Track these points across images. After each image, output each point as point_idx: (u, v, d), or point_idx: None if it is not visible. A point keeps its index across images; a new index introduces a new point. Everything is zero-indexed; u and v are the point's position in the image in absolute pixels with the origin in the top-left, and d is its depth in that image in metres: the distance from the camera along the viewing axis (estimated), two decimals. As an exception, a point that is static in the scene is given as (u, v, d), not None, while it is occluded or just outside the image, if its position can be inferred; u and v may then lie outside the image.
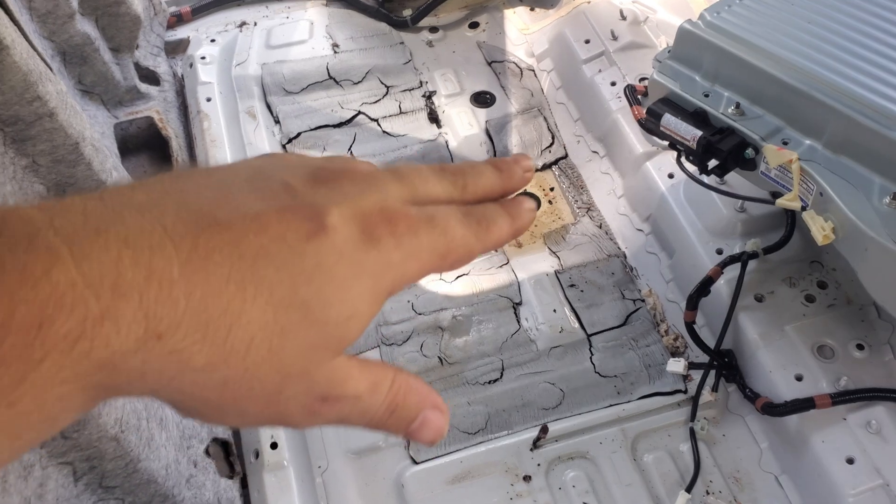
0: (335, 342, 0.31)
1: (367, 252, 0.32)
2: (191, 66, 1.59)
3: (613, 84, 1.48)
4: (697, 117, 1.05)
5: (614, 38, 1.53)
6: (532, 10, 1.76)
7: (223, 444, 1.08)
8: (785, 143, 0.99)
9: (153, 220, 0.27)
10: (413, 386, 0.35)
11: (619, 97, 1.45)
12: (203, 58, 1.60)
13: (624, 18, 1.55)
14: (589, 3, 1.63)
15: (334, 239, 0.31)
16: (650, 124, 1.09)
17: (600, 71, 1.51)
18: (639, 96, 1.42)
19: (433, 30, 1.75)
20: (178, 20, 1.70)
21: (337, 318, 0.31)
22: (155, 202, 0.28)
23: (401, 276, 0.33)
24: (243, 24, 1.72)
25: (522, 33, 1.73)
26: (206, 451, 1.03)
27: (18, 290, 0.24)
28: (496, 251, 1.38)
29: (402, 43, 1.72)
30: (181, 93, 1.59)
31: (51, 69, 0.94)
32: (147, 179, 0.30)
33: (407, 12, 1.74)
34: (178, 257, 0.27)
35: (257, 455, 1.09)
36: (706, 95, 1.06)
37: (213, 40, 1.66)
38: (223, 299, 0.28)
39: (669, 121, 1.06)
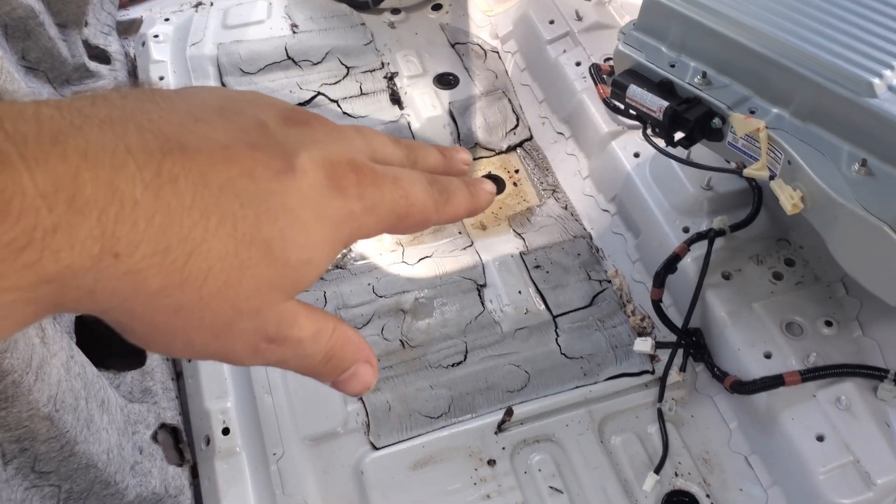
0: (290, 285, 0.31)
1: (331, 200, 0.32)
2: (143, 44, 1.54)
3: (578, 64, 1.45)
4: (663, 88, 1.03)
5: (579, 18, 1.50)
6: (496, -9, 1.73)
7: (172, 431, 1.03)
8: (752, 113, 0.97)
9: (115, 138, 0.26)
10: (350, 338, 0.35)
11: (584, 77, 1.42)
12: (156, 36, 1.54)
13: (588, -1, 1.53)
14: (553, -17, 1.60)
15: (301, 182, 0.31)
16: (615, 96, 1.06)
17: (565, 51, 1.48)
18: (604, 76, 1.40)
19: (395, 11, 1.71)
20: (131, 0, 1.64)
21: (296, 261, 0.31)
22: (118, 119, 0.27)
23: (358, 228, 0.33)
24: (199, 4, 1.66)
25: (486, 15, 1.70)
26: (154, 437, 0.98)
27: None
28: (460, 234, 1.34)
29: (363, 24, 1.68)
30: (133, 73, 1.53)
31: (-16, 32, 0.89)
32: (107, 93, 0.29)
33: (368, -8, 1.70)
34: (140, 178, 0.26)
35: (208, 441, 1.04)
36: (672, 66, 1.04)
37: (167, 19, 1.60)
38: (185, 226, 0.27)
39: (635, 92, 1.03)
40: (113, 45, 1.52)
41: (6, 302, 0.24)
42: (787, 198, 0.92)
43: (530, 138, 1.50)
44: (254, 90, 0.36)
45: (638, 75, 1.05)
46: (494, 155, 1.48)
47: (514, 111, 1.54)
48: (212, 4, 1.66)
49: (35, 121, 0.25)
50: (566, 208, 1.38)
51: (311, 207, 0.31)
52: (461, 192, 0.38)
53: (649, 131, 1.08)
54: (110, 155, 0.26)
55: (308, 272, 0.32)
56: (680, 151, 1.12)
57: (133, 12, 1.64)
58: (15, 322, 0.26)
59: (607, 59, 1.43)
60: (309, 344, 0.33)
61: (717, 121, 0.99)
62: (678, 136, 1.03)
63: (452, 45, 1.65)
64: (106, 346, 1.05)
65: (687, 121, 0.99)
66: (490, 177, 1.45)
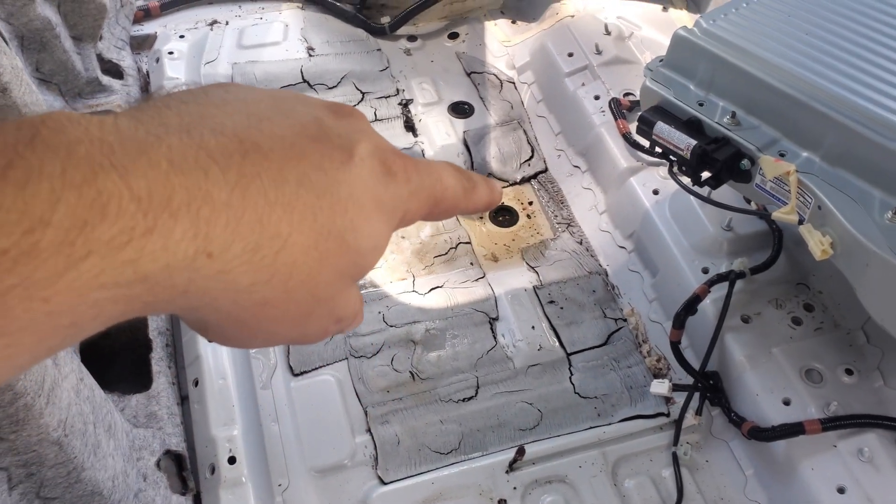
0: (359, 272, 0.33)
1: (386, 185, 0.33)
2: (157, 60, 1.52)
3: (597, 98, 1.44)
4: (691, 126, 1.01)
5: (598, 52, 1.50)
6: (514, 22, 1.73)
7: (176, 458, 0.99)
8: (782, 155, 0.96)
9: (195, 145, 0.28)
10: (360, 296, 0.38)
11: (603, 111, 1.41)
12: (171, 53, 1.53)
13: (608, 33, 1.52)
14: (573, 17, 1.60)
15: (362, 170, 0.32)
16: (641, 132, 1.05)
17: (583, 84, 1.47)
18: (624, 111, 1.39)
19: (411, 38, 1.71)
20: (145, 15, 1.63)
21: (365, 249, 0.32)
22: (190, 126, 0.28)
23: (405, 212, 0.35)
24: (214, 22, 1.65)
25: (503, 45, 1.69)
26: (158, 465, 0.95)
27: (61, 191, 0.23)
28: (472, 264, 1.32)
29: (379, 50, 1.67)
30: (145, 89, 1.51)
31: (6, 42, 0.87)
32: (167, 101, 0.30)
33: (385, 19, 1.69)
34: (225, 181, 0.27)
35: (213, 470, 1.01)
36: (700, 104, 1.02)
37: (182, 36, 1.59)
38: (272, 222, 0.28)
39: (662, 129, 1.01)
40: (126, 60, 1.51)
41: (101, 298, 0.25)
42: (817, 243, 0.90)
43: (545, 170, 1.49)
44: (286, 89, 0.36)
45: (665, 112, 1.04)
46: (508, 186, 1.47)
47: (529, 142, 1.53)
48: (227, 23, 1.65)
49: (116, 132, 0.26)
50: (581, 243, 1.36)
51: (371, 195, 0.32)
52: (482, 183, 0.41)
53: (675, 169, 1.06)
54: (193, 161, 0.27)
55: (374, 258, 0.33)
56: (703, 191, 1.11)
57: (148, 28, 1.63)
58: (102, 320, 0.26)
59: (627, 94, 1.42)
60: (353, 318, 0.36)
61: (745, 162, 0.97)
62: (705, 175, 1.01)
63: (468, 74, 1.64)
64: (111, 366, 1.02)
65: (715, 161, 0.97)
66: (503, 208, 1.43)
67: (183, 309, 0.29)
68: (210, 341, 0.33)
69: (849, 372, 1.07)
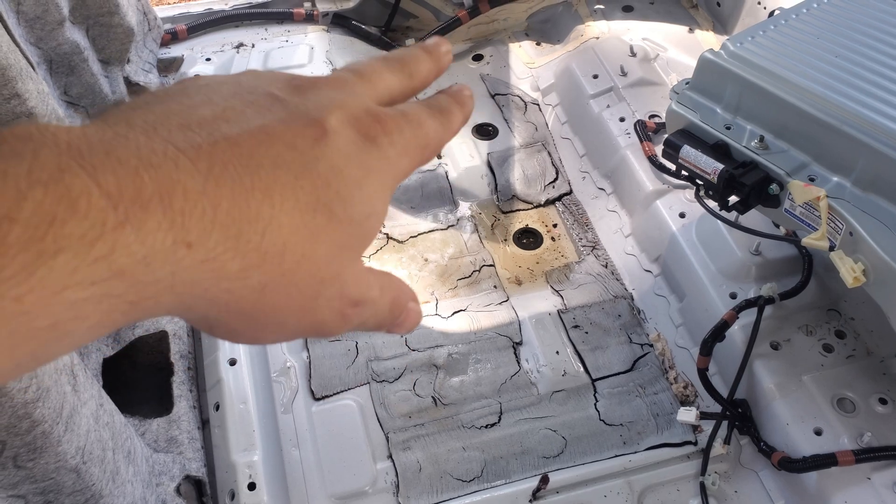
0: (359, 241, 0.32)
1: (369, 152, 0.33)
2: (183, 83, 1.53)
3: (622, 120, 1.43)
4: (718, 150, 1.00)
5: (623, 73, 1.48)
6: (538, 44, 1.72)
7: (196, 483, 0.99)
8: (812, 180, 0.94)
9: (163, 141, 0.27)
10: (400, 283, 0.37)
11: (629, 133, 1.40)
12: (197, 76, 1.53)
13: (634, 55, 1.51)
14: (598, 38, 1.59)
15: (338, 142, 0.31)
16: (667, 155, 1.03)
17: (609, 106, 1.46)
18: (649, 133, 1.38)
19: (436, 60, 1.70)
20: (172, 38, 1.64)
21: (359, 217, 0.32)
22: (156, 123, 0.28)
23: (398, 172, 0.34)
24: (241, 45, 1.66)
25: (528, 67, 1.68)
26: (177, 490, 0.94)
27: (27, 189, 0.23)
28: (495, 287, 1.31)
29: (403, 72, 1.66)
30: (172, 112, 1.52)
31: (33, 67, 0.87)
32: (130, 105, 0.30)
33: (409, 42, 1.70)
34: (197, 170, 0.27)
35: (233, 496, 1.00)
36: (728, 128, 1.01)
37: (208, 59, 1.60)
38: (251, 207, 0.28)
39: (689, 153, 1.00)
40: (153, 83, 1.52)
41: (79, 299, 0.24)
42: (849, 271, 0.88)
43: (570, 192, 1.48)
44: (249, 69, 0.36)
45: (692, 136, 1.02)
46: (532, 208, 1.45)
47: (553, 164, 1.51)
48: (253, 46, 1.66)
49: (84, 137, 0.26)
50: (606, 266, 1.34)
51: (355, 164, 0.32)
52: (453, 106, 0.39)
53: (702, 193, 1.05)
54: (162, 154, 0.27)
55: (372, 225, 0.33)
56: (730, 215, 1.09)
57: (174, 51, 1.64)
58: (89, 324, 0.25)
59: (652, 116, 1.41)
60: (379, 300, 0.34)
61: (774, 187, 0.95)
62: (732, 199, 1.00)
63: (492, 96, 1.64)
64: (133, 389, 1.02)
65: (743, 185, 0.96)
66: (527, 230, 1.42)
67: (177, 308, 0.28)
68: (220, 338, 0.32)
69: (882, 401, 1.04)
